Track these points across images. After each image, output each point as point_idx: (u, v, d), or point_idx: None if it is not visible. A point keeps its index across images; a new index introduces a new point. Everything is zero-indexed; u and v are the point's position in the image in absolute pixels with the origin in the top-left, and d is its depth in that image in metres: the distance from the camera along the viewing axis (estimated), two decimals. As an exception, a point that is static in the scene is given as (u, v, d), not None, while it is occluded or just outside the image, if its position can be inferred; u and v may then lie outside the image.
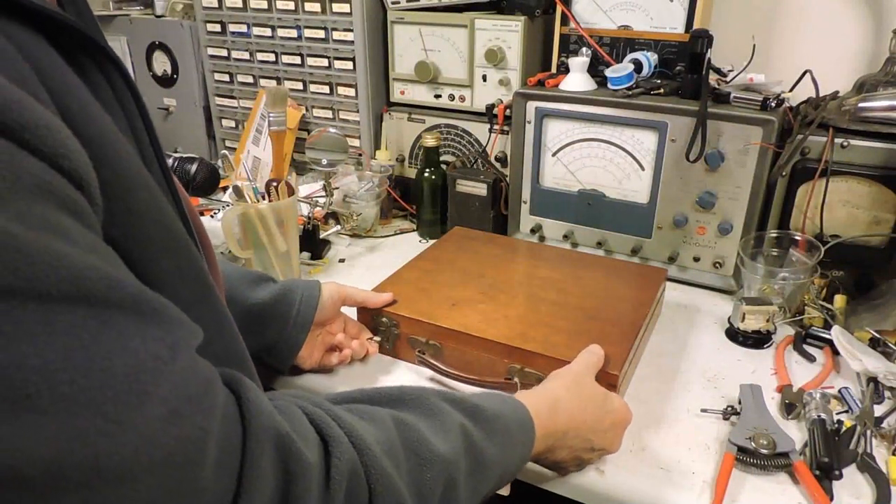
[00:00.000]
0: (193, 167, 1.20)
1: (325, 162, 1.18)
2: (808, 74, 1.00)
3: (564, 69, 1.09)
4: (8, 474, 0.25)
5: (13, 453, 0.25)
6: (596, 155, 1.06)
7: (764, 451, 0.67)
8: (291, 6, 1.27)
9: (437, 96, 1.23)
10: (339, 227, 1.19)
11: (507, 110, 1.14)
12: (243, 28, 1.35)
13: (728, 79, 1.04)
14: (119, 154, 0.35)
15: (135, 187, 0.36)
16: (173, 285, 0.37)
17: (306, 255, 1.14)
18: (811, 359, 0.86)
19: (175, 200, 0.42)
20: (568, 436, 0.62)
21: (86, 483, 0.27)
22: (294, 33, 1.30)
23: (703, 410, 0.76)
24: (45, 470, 0.25)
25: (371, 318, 0.86)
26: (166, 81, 1.52)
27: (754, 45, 1.02)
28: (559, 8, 1.08)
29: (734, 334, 0.91)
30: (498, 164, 1.21)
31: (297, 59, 1.32)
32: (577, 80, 1.05)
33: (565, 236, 1.13)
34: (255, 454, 0.35)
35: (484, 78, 1.17)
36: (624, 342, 0.77)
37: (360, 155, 1.31)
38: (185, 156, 1.23)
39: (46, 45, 0.33)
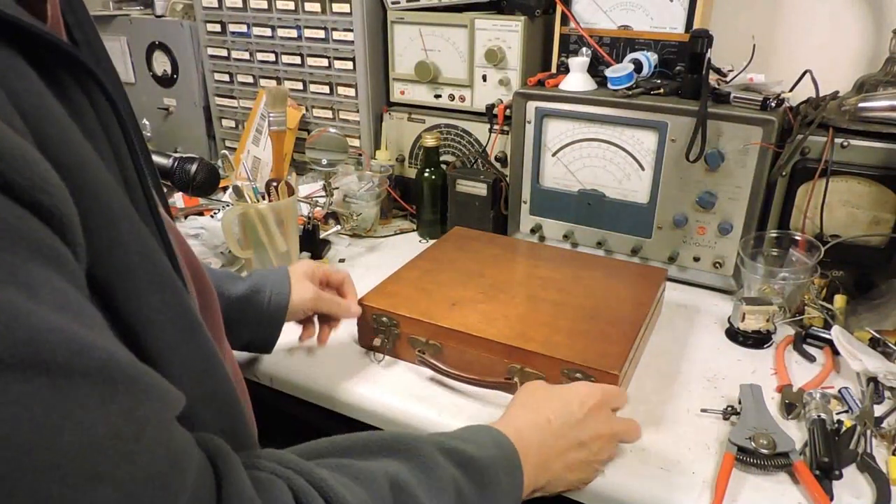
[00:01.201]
0: (193, 167, 1.20)
1: (325, 162, 1.18)
2: (808, 74, 1.00)
3: (564, 69, 1.09)
4: None
5: None
6: (596, 155, 1.06)
7: (764, 451, 0.67)
8: (291, 6, 1.27)
9: (437, 96, 1.23)
10: (339, 227, 1.19)
11: (507, 110, 1.14)
12: (243, 28, 1.35)
13: (728, 79, 1.04)
14: (100, 184, 0.32)
15: (117, 219, 0.33)
16: (160, 323, 0.35)
17: (306, 254, 1.14)
18: (811, 359, 0.86)
19: (160, 232, 0.39)
20: (546, 444, 0.61)
21: None
22: (294, 33, 1.30)
23: (703, 410, 0.76)
24: None
25: (371, 317, 0.86)
26: (166, 81, 1.52)
27: (754, 45, 1.02)
28: (559, 8, 1.08)
29: (734, 334, 0.91)
30: (498, 164, 1.21)
31: (297, 59, 1.32)
32: (577, 80, 1.05)
33: (565, 236, 1.13)
34: None
35: (484, 78, 1.17)
36: (624, 342, 0.77)
37: (360, 155, 1.31)
38: (185, 156, 1.22)
39: (23, 63, 0.30)
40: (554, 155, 1.10)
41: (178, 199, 1.32)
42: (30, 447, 0.24)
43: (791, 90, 1.01)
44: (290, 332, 0.92)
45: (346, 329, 0.92)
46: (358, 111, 1.31)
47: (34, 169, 0.26)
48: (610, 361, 0.73)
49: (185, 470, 0.31)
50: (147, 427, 0.29)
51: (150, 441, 0.29)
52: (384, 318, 0.85)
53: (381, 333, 0.85)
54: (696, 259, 1.04)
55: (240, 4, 1.32)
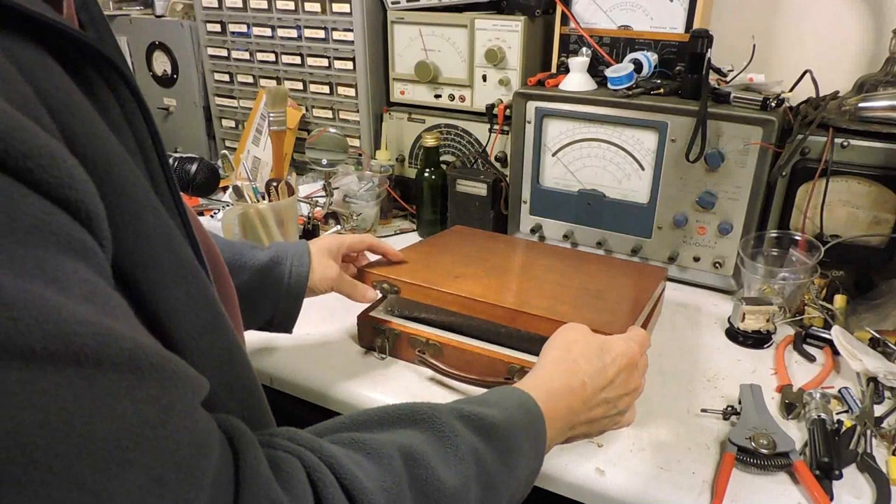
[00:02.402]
0: (193, 167, 1.20)
1: (325, 162, 1.18)
2: (808, 74, 1.00)
3: (564, 69, 1.09)
4: None
5: None
6: (596, 155, 1.06)
7: (764, 451, 0.67)
8: (291, 6, 1.27)
9: (437, 96, 1.23)
10: (339, 227, 1.19)
11: (507, 110, 1.14)
12: (243, 28, 1.35)
13: (728, 79, 1.04)
14: (126, 177, 0.33)
15: (143, 211, 0.34)
16: (184, 313, 0.36)
17: (306, 255, 1.14)
18: (811, 359, 0.86)
19: (184, 223, 0.40)
20: (575, 409, 0.60)
21: None
22: (294, 33, 1.30)
23: (703, 410, 0.76)
24: None
25: (372, 282, 0.85)
26: (166, 81, 1.52)
27: (754, 45, 1.02)
28: (559, 8, 1.08)
29: (734, 334, 0.91)
30: (498, 164, 1.21)
31: (297, 59, 1.32)
32: (577, 80, 1.05)
33: (565, 236, 1.13)
34: None
35: (484, 78, 1.17)
36: (630, 312, 0.77)
37: (360, 155, 1.31)
38: (185, 156, 1.22)
39: (49, 60, 0.31)
40: (554, 155, 1.10)
41: (178, 199, 1.31)
42: (62, 435, 0.24)
43: (791, 90, 1.01)
44: (290, 334, 0.92)
45: (347, 329, 0.93)
46: (358, 111, 1.31)
47: (61, 166, 0.27)
48: (617, 326, 0.71)
49: (209, 454, 0.32)
50: (173, 413, 0.29)
51: (176, 426, 0.30)
52: (385, 285, 0.84)
53: (381, 334, 0.85)
54: (696, 259, 1.04)
55: (240, 4, 1.32)
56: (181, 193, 0.46)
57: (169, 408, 0.29)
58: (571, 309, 0.77)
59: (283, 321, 0.79)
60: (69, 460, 0.25)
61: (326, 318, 0.96)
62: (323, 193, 1.22)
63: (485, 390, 0.60)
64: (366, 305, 0.89)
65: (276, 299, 0.77)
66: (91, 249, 0.28)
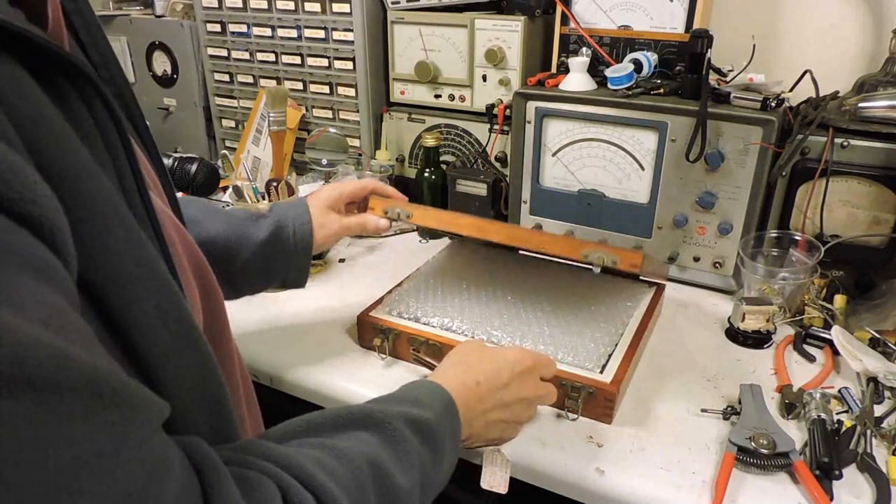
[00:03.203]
0: (193, 167, 1.20)
1: (325, 162, 1.18)
2: (808, 74, 1.00)
3: (564, 69, 1.09)
4: None
5: None
6: (596, 155, 1.06)
7: (764, 451, 0.67)
8: (291, 6, 1.27)
9: (437, 96, 1.23)
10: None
11: (507, 110, 1.14)
12: (243, 28, 1.35)
13: (728, 79, 1.04)
14: (95, 190, 0.32)
15: (112, 225, 0.33)
16: (154, 327, 0.35)
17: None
18: (811, 359, 0.86)
19: (158, 236, 0.39)
20: (471, 405, 0.62)
21: None
22: (294, 33, 1.30)
23: (703, 410, 0.76)
24: None
25: (382, 211, 0.84)
26: (166, 81, 1.52)
27: (754, 45, 1.02)
28: (559, 8, 1.08)
29: (734, 334, 0.91)
30: (498, 164, 1.21)
31: (297, 59, 1.32)
32: (577, 80, 1.05)
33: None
34: None
35: (484, 78, 1.17)
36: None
37: (360, 155, 1.31)
38: (185, 156, 1.23)
39: (19, 70, 0.30)
40: (554, 155, 1.10)
41: (178, 199, 1.31)
42: (12, 462, 0.24)
43: (791, 90, 1.01)
44: (290, 333, 0.93)
45: (347, 329, 0.93)
46: (358, 111, 1.31)
47: (23, 181, 0.26)
48: (633, 255, 0.72)
49: (166, 482, 0.31)
50: (128, 441, 0.29)
51: (130, 455, 0.29)
52: (396, 210, 0.83)
53: (381, 335, 0.85)
54: (696, 259, 1.04)
55: (240, 4, 1.32)
56: (172, 203, 0.46)
57: (124, 436, 0.29)
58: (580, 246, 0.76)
59: (296, 278, 0.82)
60: (19, 488, 0.24)
61: (326, 318, 0.96)
62: (323, 193, 1.21)
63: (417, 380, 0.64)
64: (366, 305, 0.90)
65: (285, 262, 0.79)
66: (53, 268, 0.28)
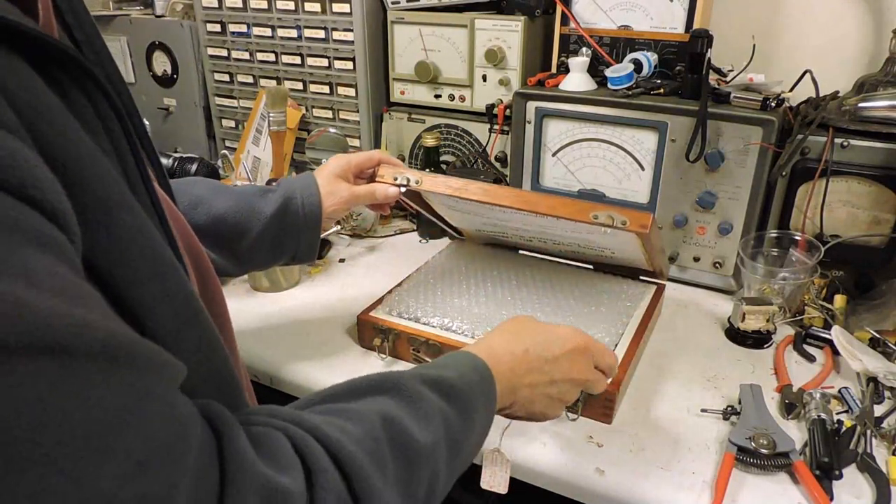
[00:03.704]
0: (193, 167, 1.20)
1: (325, 162, 1.18)
2: (808, 74, 1.00)
3: (564, 69, 1.09)
4: None
5: None
6: (596, 155, 1.06)
7: (764, 451, 0.67)
8: (291, 6, 1.27)
9: (437, 96, 1.23)
10: (338, 227, 1.19)
11: (507, 110, 1.14)
12: (243, 28, 1.35)
13: (728, 79, 1.04)
14: (100, 177, 0.33)
15: (117, 210, 0.34)
16: (160, 311, 0.36)
17: (306, 255, 1.14)
18: (811, 359, 0.86)
19: (162, 222, 0.40)
20: (517, 373, 0.61)
21: None
22: (294, 33, 1.30)
23: (703, 410, 0.76)
24: None
25: (392, 178, 0.84)
26: (166, 81, 1.52)
27: (754, 45, 1.02)
28: (559, 8, 1.08)
29: (734, 334, 0.91)
30: (498, 164, 1.21)
31: (297, 59, 1.32)
32: (577, 80, 1.05)
33: (565, 236, 1.13)
34: (235, 501, 0.33)
35: (484, 78, 1.17)
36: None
37: (360, 155, 1.31)
38: (185, 156, 1.23)
39: (18, 61, 0.30)
40: (554, 155, 1.10)
41: (178, 199, 1.31)
42: (40, 426, 0.25)
43: (791, 90, 1.01)
44: (290, 333, 0.93)
45: (347, 329, 0.93)
46: (358, 111, 1.31)
47: (23, 167, 0.27)
48: (642, 215, 0.72)
49: (190, 435, 0.32)
50: (151, 398, 0.30)
51: (154, 411, 0.30)
52: (406, 177, 0.83)
53: (381, 335, 0.85)
54: (696, 259, 1.04)
55: (240, 4, 1.32)
56: (168, 195, 0.46)
57: (146, 393, 0.30)
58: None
59: (307, 252, 0.81)
60: (48, 450, 0.25)
61: (327, 318, 0.96)
62: (323, 193, 1.21)
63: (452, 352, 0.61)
64: (366, 305, 0.90)
65: (295, 236, 0.79)
66: (61, 244, 0.29)
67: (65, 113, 0.32)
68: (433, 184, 0.83)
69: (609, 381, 0.69)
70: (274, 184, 0.82)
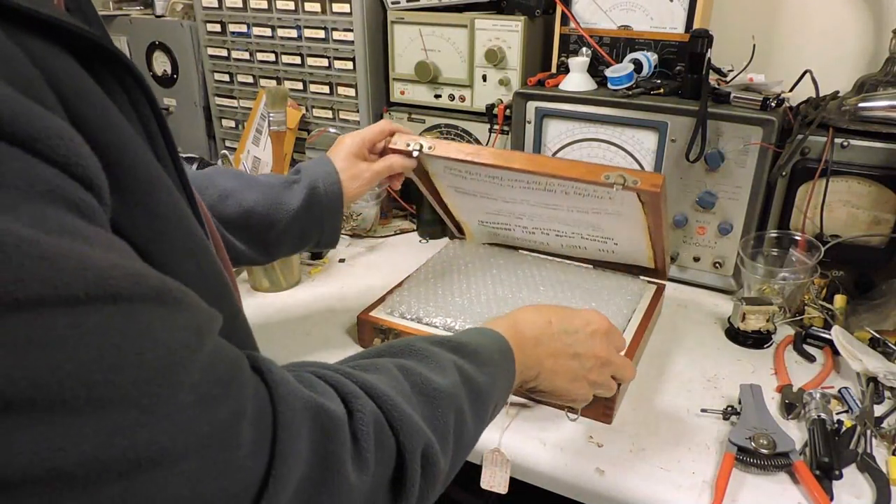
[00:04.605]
0: (193, 167, 1.20)
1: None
2: (808, 74, 1.00)
3: (564, 69, 1.09)
4: (51, 474, 0.26)
5: (53, 455, 0.26)
6: (596, 155, 1.06)
7: (764, 451, 0.67)
8: (291, 6, 1.27)
9: (437, 96, 1.23)
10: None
11: (507, 110, 1.14)
12: (243, 28, 1.35)
13: (728, 79, 1.04)
14: (139, 158, 0.35)
15: (155, 190, 0.36)
16: (195, 286, 0.37)
17: (306, 254, 1.14)
18: (811, 359, 0.86)
19: (191, 202, 0.42)
20: (541, 341, 0.62)
21: (126, 473, 0.28)
22: (294, 33, 1.30)
23: (703, 410, 0.76)
24: (86, 465, 0.26)
25: (405, 145, 0.85)
26: (166, 81, 1.52)
27: (754, 45, 1.02)
28: (559, 8, 1.08)
29: (734, 334, 0.91)
30: (498, 164, 1.20)
31: (297, 59, 1.32)
32: (577, 80, 1.05)
33: (565, 236, 1.13)
34: (288, 420, 0.36)
35: (484, 78, 1.17)
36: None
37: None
38: (185, 156, 1.23)
39: (59, 51, 0.33)
40: (554, 155, 1.10)
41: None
42: (115, 367, 0.27)
43: (791, 90, 1.01)
44: (290, 333, 0.93)
45: (347, 329, 0.93)
46: (358, 111, 1.31)
47: (68, 145, 0.29)
48: (654, 176, 0.74)
49: (243, 367, 0.36)
50: (206, 336, 0.33)
51: (212, 347, 0.33)
52: (420, 143, 0.84)
53: (381, 334, 0.85)
54: (696, 259, 1.04)
55: (240, 4, 1.32)
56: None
57: (200, 332, 0.32)
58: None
59: (330, 238, 0.83)
60: (125, 388, 0.28)
61: (326, 318, 0.96)
62: (323, 193, 1.21)
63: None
64: (366, 305, 0.90)
65: (319, 224, 0.81)
66: (96, 209, 0.31)
67: (104, 98, 0.35)
68: (446, 149, 0.84)
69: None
70: (295, 171, 0.83)
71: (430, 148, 0.83)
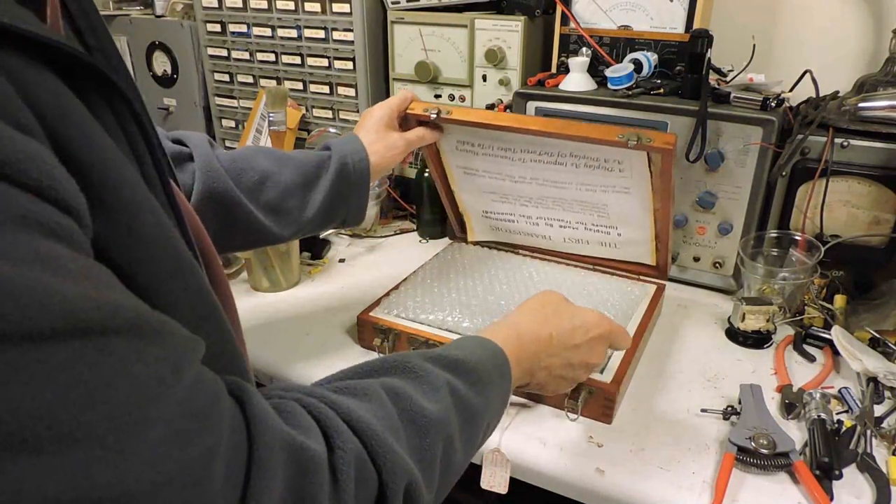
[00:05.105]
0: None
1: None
2: (808, 74, 1.00)
3: (564, 69, 1.09)
4: None
5: (11, 497, 0.24)
6: (596, 155, 1.06)
7: (764, 451, 0.67)
8: (291, 6, 1.27)
9: (438, 96, 1.23)
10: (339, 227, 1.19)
11: (508, 110, 1.14)
12: (243, 28, 1.35)
13: (728, 79, 1.04)
14: (123, 178, 0.34)
15: (141, 211, 0.35)
16: (181, 308, 0.37)
17: (306, 254, 1.14)
18: (811, 359, 0.86)
19: (178, 220, 0.41)
20: (540, 357, 0.63)
21: None
22: (294, 33, 1.30)
23: (703, 410, 0.76)
24: None
25: (423, 111, 0.89)
26: (166, 81, 1.52)
27: (754, 45, 1.02)
28: (559, 8, 1.08)
29: (734, 334, 0.91)
30: (498, 164, 1.20)
31: (297, 59, 1.32)
32: (577, 80, 1.05)
33: (565, 236, 1.13)
34: (264, 459, 0.35)
35: (484, 78, 1.17)
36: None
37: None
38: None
39: (42, 68, 0.31)
40: (554, 155, 1.10)
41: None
42: (82, 405, 0.26)
43: (791, 90, 1.01)
44: (290, 333, 0.93)
45: (347, 329, 0.93)
46: (358, 111, 1.30)
47: (41, 167, 0.28)
48: (667, 135, 0.77)
49: (222, 399, 0.35)
50: (182, 369, 0.32)
51: (188, 380, 0.32)
52: (437, 110, 0.87)
53: (382, 334, 0.85)
54: (696, 259, 1.04)
55: (240, 4, 1.32)
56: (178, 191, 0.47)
57: (177, 365, 0.31)
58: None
59: (356, 216, 0.84)
60: (91, 426, 0.26)
61: (327, 318, 0.96)
62: (323, 193, 1.21)
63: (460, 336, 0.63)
64: (366, 305, 0.90)
65: (346, 202, 0.82)
66: (75, 232, 0.30)
67: (89, 118, 0.33)
68: (465, 114, 0.88)
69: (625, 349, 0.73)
70: (325, 148, 0.84)
71: (447, 113, 0.87)
